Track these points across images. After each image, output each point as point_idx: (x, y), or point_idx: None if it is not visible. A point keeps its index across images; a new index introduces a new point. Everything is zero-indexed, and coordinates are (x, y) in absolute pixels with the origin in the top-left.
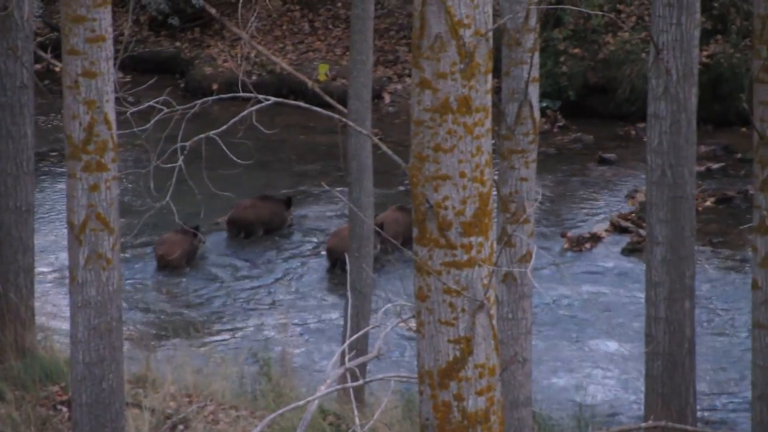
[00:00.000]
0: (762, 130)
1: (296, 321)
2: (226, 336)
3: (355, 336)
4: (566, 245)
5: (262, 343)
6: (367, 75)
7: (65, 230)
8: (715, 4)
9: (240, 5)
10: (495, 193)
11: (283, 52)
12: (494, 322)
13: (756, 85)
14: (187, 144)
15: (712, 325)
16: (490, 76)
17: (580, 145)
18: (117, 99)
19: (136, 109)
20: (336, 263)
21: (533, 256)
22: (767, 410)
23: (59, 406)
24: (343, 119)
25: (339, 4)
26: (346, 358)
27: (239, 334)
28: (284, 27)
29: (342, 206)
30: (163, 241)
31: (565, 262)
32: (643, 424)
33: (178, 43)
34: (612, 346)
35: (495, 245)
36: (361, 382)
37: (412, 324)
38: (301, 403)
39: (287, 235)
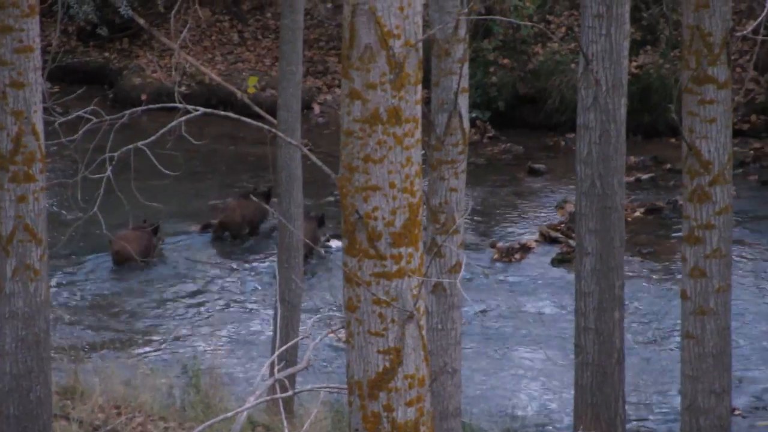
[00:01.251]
0: (691, 141)
1: (225, 332)
2: (154, 347)
3: (284, 347)
4: (496, 256)
5: (191, 354)
6: (296, 85)
7: None
8: (645, 15)
9: (173, 16)
10: (425, 203)
11: (213, 63)
12: (424, 332)
13: (685, 95)
14: (116, 154)
15: (642, 336)
16: (419, 87)
17: (509, 155)
18: (45, 109)
19: (64, 119)
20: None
21: (463, 266)
22: (696, 421)
23: None
24: (273, 130)
25: (268, 15)
26: (276, 369)
27: (168, 345)
28: (213, 37)
29: (271, 216)
30: (120, 237)
31: (495, 272)
32: None
33: (106, 54)
34: (542, 356)
35: (424, 256)
36: (290, 393)
37: (342, 335)
38: (230, 414)
39: (212, 246)
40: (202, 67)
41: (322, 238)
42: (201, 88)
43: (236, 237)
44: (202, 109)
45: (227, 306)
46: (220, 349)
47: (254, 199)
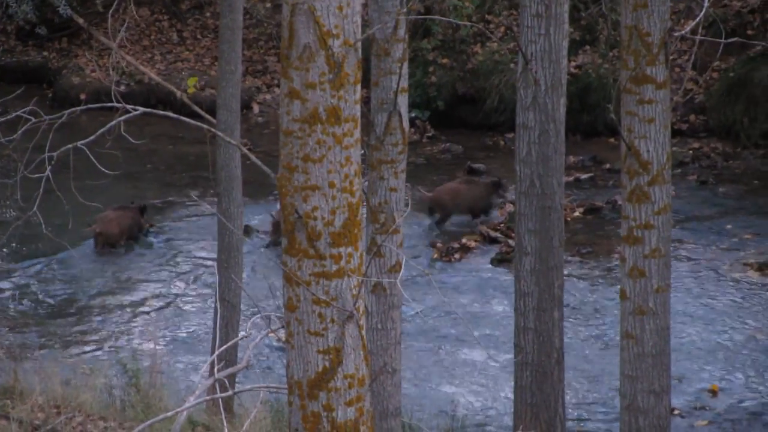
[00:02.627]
0: (630, 141)
1: (165, 332)
2: (94, 347)
3: (224, 347)
4: (436, 255)
5: (130, 353)
6: (235, 85)
7: None
8: (584, 15)
9: (110, 15)
10: (364, 203)
11: (152, 62)
12: (363, 332)
13: (623, 95)
14: (55, 154)
15: (581, 335)
16: (359, 87)
17: (449, 155)
18: None
19: (2, 119)
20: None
21: (402, 266)
22: (635, 420)
23: None
24: (212, 129)
25: (207, 14)
26: (215, 369)
27: (108, 344)
28: (152, 37)
29: (211, 216)
30: (100, 218)
31: (435, 272)
32: None
33: (45, 53)
34: (481, 356)
35: (364, 256)
36: (230, 392)
37: (282, 334)
38: (170, 414)
39: (152, 245)
40: (141, 66)
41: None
42: (140, 87)
43: (113, 246)
44: (141, 109)
45: (167, 306)
46: (160, 349)
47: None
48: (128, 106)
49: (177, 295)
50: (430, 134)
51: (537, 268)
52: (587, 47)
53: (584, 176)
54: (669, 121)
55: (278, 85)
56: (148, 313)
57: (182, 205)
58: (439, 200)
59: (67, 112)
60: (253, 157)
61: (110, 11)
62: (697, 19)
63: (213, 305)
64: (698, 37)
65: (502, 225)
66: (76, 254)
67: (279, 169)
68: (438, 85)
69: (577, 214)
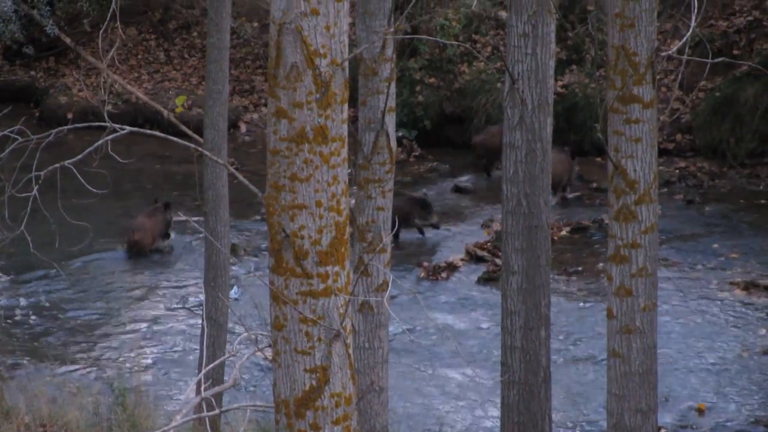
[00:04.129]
0: (617, 160)
1: (153, 350)
2: (81, 365)
3: (211, 365)
4: (422, 274)
5: (117, 372)
6: (223, 104)
7: None
8: (570, 35)
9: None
10: (351, 222)
11: (139, 82)
12: (350, 351)
13: (610, 114)
14: (42, 173)
15: (568, 354)
16: (346, 106)
17: (435, 174)
18: None
19: None
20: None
21: (389, 285)
22: None
23: None
24: (199, 149)
25: (194, 34)
26: (202, 388)
27: (95, 363)
28: (140, 56)
29: (198, 235)
30: (136, 227)
31: (422, 291)
32: None
33: (32, 72)
34: (468, 374)
35: (351, 274)
36: (217, 411)
37: (269, 353)
38: None
39: (139, 264)
40: (128, 85)
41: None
42: (127, 106)
43: (144, 254)
44: (128, 128)
45: (154, 324)
46: (147, 368)
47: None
48: (115, 126)
49: (164, 314)
50: (417, 153)
51: (524, 287)
52: (574, 67)
53: (571, 195)
54: (656, 140)
55: (265, 105)
56: (135, 331)
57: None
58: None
59: (54, 131)
60: (240, 176)
61: (100, 31)
62: (684, 39)
63: (200, 324)
64: (685, 57)
65: (488, 244)
66: (63, 273)
67: (266, 188)
68: (425, 104)
69: (563, 233)
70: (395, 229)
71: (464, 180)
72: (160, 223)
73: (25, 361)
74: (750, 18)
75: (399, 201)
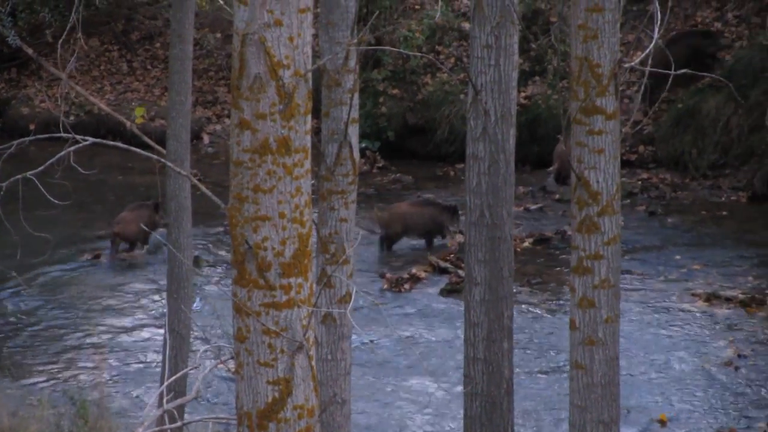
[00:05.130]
0: (579, 171)
1: (115, 362)
2: (43, 377)
3: (173, 377)
4: (385, 286)
5: (79, 384)
6: (185, 115)
7: None
8: (533, 46)
9: (60, 45)
10: (315, 233)
11: (102, 93)
12: (313, 363)
13: (573, 126)
14: (4, 185)
15: (531, 366)
16: (309, 117)
17: (399, 185)
18: None
19: None
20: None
21: (353, 296)
22: None
23: None
24: (162, 160)
25: (157, 45)
26: (165, 400)
27: (56, 375)
28: (102, 67)
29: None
30: (118, 220)
31: (385, 302)
32: None
33: None
34: (431, 386)
35: (314, 286)
36: (179, 423)
37: (231, 365)
38: None
39: (102, 275)
40: (90, 96)
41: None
42: (90, 117)
43: (132, 246)
44: (90, 139)
45: (116, 336)
46: (108, 380)
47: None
48: (78, 137)
49: (126, 326)
50: (380, 165)
51: (487, 299)
52: (537, 78)
53: (534, 207)
54: (618, 152)
55: (228, 116)
56: (96, 343)
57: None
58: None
59: (15, 142)
60: (203, 187)
61: (60, 41)
62: (647, 50)
63: (162, 336)
64: (648, 68)
65: (451, 255)
66: (24, 284)
67: (229, 199)
68: (388, 115)
69: (526, 244)
70: (430, 237)
71: (427, 191)
72: (144, 218)
73: None
74: (712, 29)
75: (434, 210)
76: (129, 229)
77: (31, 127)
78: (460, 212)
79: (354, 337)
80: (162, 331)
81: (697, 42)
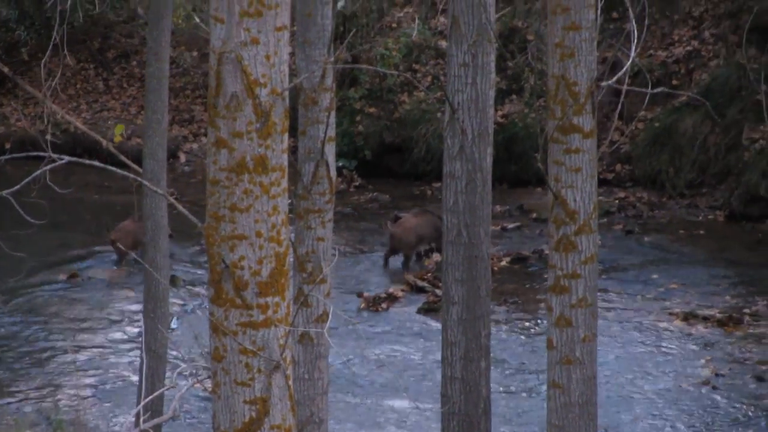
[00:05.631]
0: (556, 190)
1: (91, 382)
2: (19, 398)
3: (150, 397)
4: (363, 305)
5: (55, 403)
6: (162, 134)
7: None
8: (510, 65)
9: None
10: (291, 252)
11: (78, 111)
12: (290, 382)
13: (550, 144)
14: None
15: (508, 385)
16: (286, 136)
17: (376, 204)
18: None
19: None
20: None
21: (330, 316)
22: None
23: None
24: (138, 179)
25: (134, 63)
26: (141, 420)
27: (32, 395)
28: (78, 86)
29: (137, 265)
30: (118, 229)
31: (362, 322)
32: None
33: None
34: (408, 405)
35: (291, 305)
36: None
37: (208, 384)
38: None
39: (78, 295)
40: (66, 115)
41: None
42: (66, 136)
43: (125, 255)
44: (67, 158)
45: (93, 356)
46: (85, 399)
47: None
48: (54, 155)
49: (103, 345)
50: (357, 183)
51: (464, 318)
52: (514, 96)
53: (511, 225)
54: (595, 170)
55: (205, 134)
56: (73, 362)
57: (108, 255)
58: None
59: None
60: (179, 206)
61: (42, 60)
62: (624, 68)
63: (139, 355)
64: (624, 87)
65: (429, 274)
66: (0, 304)
67: (206, 218)
68: (365, 134)
69: (504, 263)
70: (439, 243)
71: (404, 210)
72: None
73: None
74: (689, 48)
75: (438, 220)
76: (125, 240)
77: (7, 145)
78: None
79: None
80: (139, 350)
81: None
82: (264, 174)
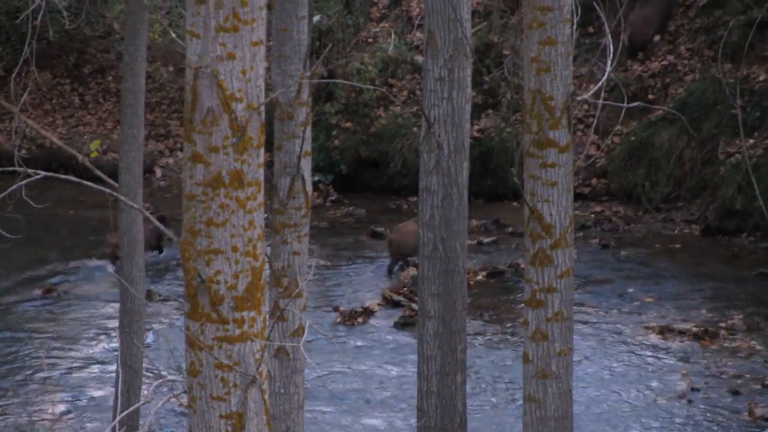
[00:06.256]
0: (533, 204)
1: (67, 397)
2: None
3: (125, 412)
4: (339, 319)
5: (30, 419)
6: (138, 149)
7: None
8: (486, 79)
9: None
10: (268, 267)
11: (54, 126)
12: (266, 397)
13: (526, 159)
14: None
15: (484, 399)
16: (262, 150)
17: (352, 219)
18: None
19: None
20: (397, 259)
21: (306, 330)
22: None
23: None
24: (114, 193)
25: (109, 78)
26: None
27: (8, 410)
28: (54, 101)
29: (113, 280)
30: (114, 235)
31: (338, 336)
32: None
33: None
34: (385, 420)
35: (267, 319)
36: None
37: (184, 399)
38: None
39: (53, 310)
40: (42, 130)
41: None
42: (42, 151)
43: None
44: (42, 173)
45: (69, 370)
46: (61, 415)
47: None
48: (29, 171)
49: (78, 360)
50: (333, 198)
51: (440, 332)
52: (490, 111)
53: (487, 240)
54: (571, 184)
55: (181, 149)
56: (48, 378)
57: (84, 270)
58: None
59: None
60: (155, 221)
61: (12, 75)
62: (600, 83)
63: (115, 370)
64: (600, 101)
65: (405, 289)
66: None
67: (182, 233)
68: (341, 148)
69: (480, 277)
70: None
71: (380, 225)
72: (146, 232)
73: None
74: (665, 62)
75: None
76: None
77: None
78: None
79: (307, 370)
80: (115, 365)
81: None
82: (240, 189)
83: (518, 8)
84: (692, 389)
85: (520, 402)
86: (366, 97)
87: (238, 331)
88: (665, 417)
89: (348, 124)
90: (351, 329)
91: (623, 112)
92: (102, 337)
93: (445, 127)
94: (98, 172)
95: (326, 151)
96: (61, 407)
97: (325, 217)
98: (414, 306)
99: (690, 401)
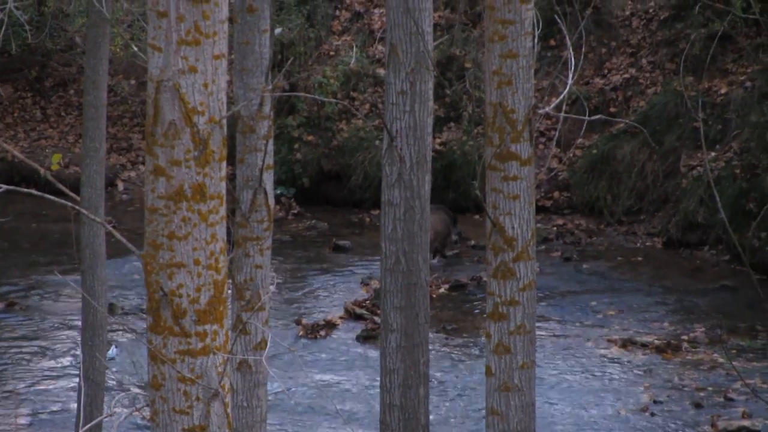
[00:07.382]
0: (495, 217)
1: (28, 410)
2: None
3: (88, 425)
4: (301, 332)
5: None
6: (100, 162)
7: None
8: (448, 92)
9: None
10: (230, 280)
11: (15, 140)
12: (229, 410)
13: (488, 171)
14: None
15: (447, 412)
16: (224, 164)
17: (314, 232)
18: None
19: None
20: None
21: (268, 343)
22: None
23: None
24: (76, 207)
25: (71, 92)
26: None
27: None
28: (16, 114)
29: (75, 294)
30: None
31: (301, 349)
32: None
33: None
34: None
35: (230, 333)
36: None
37: (147, 413)
38: None
39: (15, 324)
40: (4, 144)
41: None
42: (3, 165)
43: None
44: (4, 186)
45: (31, 384)
46: (22, 429)
47: None
48: None
49: (41, 373)
50: (295, 211)
51: (402, 345)
52: (452, 124)
53: (449, 253)
54: (534, 197)
55: (143, 163)
56: (11, 391)
57: (46, 283)
58: None
59: None
60: (117, 234)
61: None
62: (561, 96)
63: (77, 383)
64: (562, 114)
65: (367, 302)
66: None
67: (144, 246)
68: (303, 162)
69: (442, 290)
70: (446, 240)
71: (343, 238)
72: None
73: None
74: (626, 76)
75: (443, 214)
76: None
77: None
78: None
79: (269, 384)
80: (77, 378)
81: None
82: (202, 202)
83: (480, 21)
84: (655, 402)
85: (484, 415)
86: (328, 110)
87: (200, 345)
88: (628, 429)
89: (310, 138)
90: (314, 342)
91: (585, 125)
92: (64, 350)
93: (407, 140)
94: (60, 186)
95: (288, 165)
96: (23, 420)
97: (287, 231)
98: (376, 319)
99: (653, 414)
